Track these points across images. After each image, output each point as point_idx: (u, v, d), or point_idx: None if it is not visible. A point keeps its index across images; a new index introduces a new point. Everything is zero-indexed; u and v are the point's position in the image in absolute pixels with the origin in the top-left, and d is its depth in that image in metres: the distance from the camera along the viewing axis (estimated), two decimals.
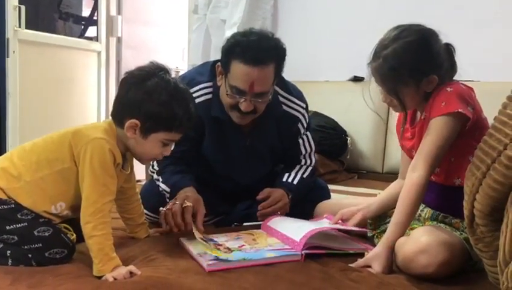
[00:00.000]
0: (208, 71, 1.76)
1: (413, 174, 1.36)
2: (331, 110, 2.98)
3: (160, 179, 1.74)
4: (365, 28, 3.06)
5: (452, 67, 1.48)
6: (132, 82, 1.33)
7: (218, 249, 1.41)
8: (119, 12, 3.93)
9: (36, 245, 1.28)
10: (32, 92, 3.19)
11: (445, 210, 1.48)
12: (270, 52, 1.58)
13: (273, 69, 1.60)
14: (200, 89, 1.72)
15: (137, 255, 1.38)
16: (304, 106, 1.85)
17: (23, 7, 3.07)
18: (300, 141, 1.88)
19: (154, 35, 4.02)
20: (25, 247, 1.28)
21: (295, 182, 1.83)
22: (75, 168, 1.30)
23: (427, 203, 1.54)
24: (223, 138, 1.76)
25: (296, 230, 1.52)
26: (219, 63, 1.66)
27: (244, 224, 1.79)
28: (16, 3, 3.05)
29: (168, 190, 1.71)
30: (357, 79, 3.06)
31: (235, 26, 3.17)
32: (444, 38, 1.45)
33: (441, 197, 1.49)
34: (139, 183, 1.88)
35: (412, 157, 1.47)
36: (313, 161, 1.93)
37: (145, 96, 1.30)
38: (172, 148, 1.44)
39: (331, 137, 2.87)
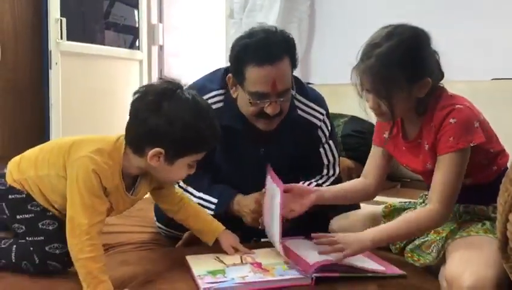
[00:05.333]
0: (219, 79, 1.66)
1: (430, 207, 1.32)
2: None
3: (190, 189, 1.66)
4: None
5: (440, 71, 1.37)
6: (148, 108, 1.23)
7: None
8: (160, 20, 3.95)
9: (38, 238, 1.29)
10: (74, 102, 3.27)
11: (463, 201, 1.39)
12: (281, 45, 1.50)
13: (288, 62, 1.52)
14: (211, 97, 1.62)
15: (137, 276, 1.32)
16: (324, 112, 1.73)
17: (64, 19, 3.15)
18: (322, 150, 1.75)
19: (195, 42, 4.01)
20: (29, 238, 1.30)
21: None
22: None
23: None
24: (235, 147, 1.66)
25: (313, 254, 1.41)
26: (229, 75, 1.57)
27: (262, 240, 1.69)
28: (58, 16, 3.14)
29: (213, 201, 1.62)
30: None
31: None
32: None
33: None
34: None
35: (406, 166, 1.47)
36: (337, 171, 1.78)
37: (167, 123, 1.21)
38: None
39: (369, 143, 2.69)
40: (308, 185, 1.71)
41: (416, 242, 1.51)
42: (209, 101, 1.59)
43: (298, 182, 1.68)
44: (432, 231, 1.47)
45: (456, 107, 1.32)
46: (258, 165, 1.62)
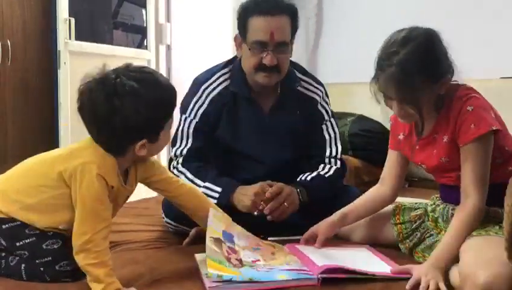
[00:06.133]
0: (221, 64, 1.83)
1: (468, 201, 1.34)
2: (379, 113, 2.80)
3: (197, 180, 1.70)
4: (414, 24, 2.86)
5: (452, 68, 1.38)
6: (103, 114, 1.19)
7: (229, 258, 1.31)
8: (168, 20, 3.95)
9: (46, 259, 1.26)
10: None
11: None
12: (282, 2, 1.69)
13: (288, 20, 1.68)
14: (217, 78, 1.78)
15: (144, 274, 1.33)
16: (322, 90, 1.88)
17: (72, 19, 3.16)
18: (324, 126, 1.86)
19: (202, 41, 4.00)
20: (37, 261, 1.26)
21: (309, 178, 1.75)
22: (69, 191, 1.24)
23: (455, 203, 1.44)
24: (242, 116, 1.77)
25: (322, 257, 1.41)
26: (236, 34, 1.74)
27: (270, 239, 1.68)
28: (66, 16, 3.15)
29: (218, 189, 1.66)
30: None
31: None
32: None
33: None
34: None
35: (420, 164, 1.48)
36: (338, 163, 1.84)
37: (131, 117, 1.19)
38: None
39: (378, 142, 2.69)
40: (307, 177, 1.76)
41: (427, 242, 1.51)
42: (217, 82, 1.78)
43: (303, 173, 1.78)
44: (443, 232, 1.47)
45: (472, 96, 1.35)
46: (264, 134, 1.78)
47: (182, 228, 1.72)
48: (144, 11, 4.16)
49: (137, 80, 1.22)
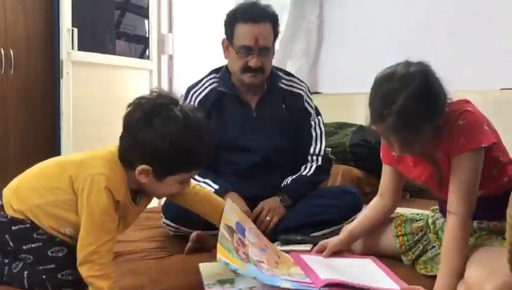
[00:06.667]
0: (209, 72, 1.99)
1: (453, 216, 1.33)
2: None
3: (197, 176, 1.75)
4: (417, 36, 2.90)
5: (447, 95, 1.36)
6: (138, 123, 1.22)
7: (238, 250, 1.31)
8: (170, 30, 3.98)
9: (49, 266, 1.25)
10: (85, 111, 3.28)
11: (477, 217, 1.39)
12: (265, 11, 1.85)
13: (271, 27, 1.85)
14: (204, 83, 1.94)
15: (145, 285, 1.32)
16: (305, 85, 2.04)
17: (75, 30, 3.18)
18: (313, 123, 1.99)
19: (204, 52, 4.02)
20: (40, 267, 1.26)
21: (290, 182, 1.89)
22: (76, 198, 1.24)
23: None
24: (230, 112, 1.91)
25: (325, 269, 1.41)
26: (224, 38, 1.89)
27: (280, 248, 1.69)
28: (69, 26, 3.17)
29: (215, 187, 1.78)
30: None
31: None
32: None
33: None
34: None
35: (414, 179, 1.49)
36: (320, 160, 1.95)
37: (155, 140, 1.20)
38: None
39: (378, 152, 2.67)
40: (292, 182, 1.88)
41: (429, 254, 1.51)
42: (205, 85, 1.94)
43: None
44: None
45: (464, 110, 1.33)
46: (253, 126, 1.91)
47: (182, 229, 1.76)
48: (146, 22, 4.19)
49: (188, 116, 1.24)
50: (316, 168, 1.94)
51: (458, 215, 1.31)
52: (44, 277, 1.26)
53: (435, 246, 1.52)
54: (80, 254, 1.20)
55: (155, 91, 1.28)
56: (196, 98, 1.93)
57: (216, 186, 1.79)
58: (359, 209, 1.87)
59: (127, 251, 1.64)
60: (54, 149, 3.16)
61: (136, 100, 1.27)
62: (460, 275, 1.29)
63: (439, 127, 1.32)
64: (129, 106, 1.26)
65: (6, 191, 1.32)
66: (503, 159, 1.39)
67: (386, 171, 1.58)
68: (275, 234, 1.77)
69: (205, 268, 1.41)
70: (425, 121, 1.27)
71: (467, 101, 1.39)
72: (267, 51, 1.85)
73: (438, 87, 1.31)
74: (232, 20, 1.85)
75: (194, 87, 1.96)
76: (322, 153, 1.97)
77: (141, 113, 1.23)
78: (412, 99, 1.24)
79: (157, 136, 1.20)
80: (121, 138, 1.27)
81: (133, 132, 1.23)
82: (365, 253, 1.63)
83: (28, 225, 1.27)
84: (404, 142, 1.30)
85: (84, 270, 1.19)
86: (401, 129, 1.26)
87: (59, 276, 1.26)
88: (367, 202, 1.70)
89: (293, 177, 1.90)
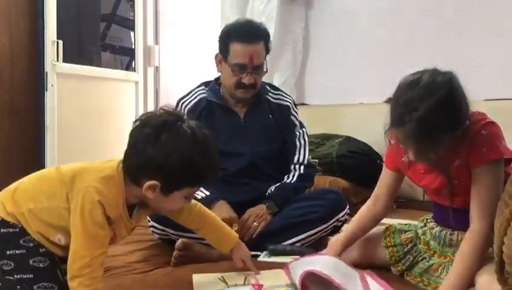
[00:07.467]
0: (199, 84, 2.07)
1: (474, 227, 1.33)
2: (366, 134, 2.81)
3: None
4: (400, 47, 2.95)
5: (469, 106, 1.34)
6: (147, 139, 1.22)
7: None
8: (156, 42, 3.98)
9: (27, 275, 1.24)
10: (70, 124, 3.25)
11: None
12: (259, 31, 1.95)
13: (263, 46, 1.95)
14: (195, 92, 2.03)
15: None
16: (291, 98, 2.14)
17: (60, 42, 3.16)
18: (298, 133, 2.07)
19: (191, 63, 4.03)
20: (17, 276, 1.23)
21: (274, 190, 1.94)
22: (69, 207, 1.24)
23: (458, 228, 1.44)
24: (219, 121, 1.98)
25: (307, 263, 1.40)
26: (217, 53, 1.98)
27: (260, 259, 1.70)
28: (54, 38, 3.15)
29: (207, 193, 1.83)
30: None
31: None
32: None
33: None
34: None
35: (424, 186, 1.48)
36: (302, 169, 2.01)
37: (164, 156, 1.20)
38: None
39: (364, 163, 2.70)
40: (276, 189, 1.94)
41: (422, 266, 1.51)
42: (195, 95, 2.03)
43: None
44: (436, 255, 1.48)
45: (488, 121, 1.34)
46: (242, 133, 1.99)
47: (167, 231, 1.77)
48: (132, 33, 4.18)
49: (195, 133, 1.25)
50: (298, 175, 2.00)
51: (478, 229, 1.31)
52: (19, 287, 1.23)
53: (425, 257, 1.51)
54: (72, 266, 1.18)
55: (162, 109, 1.29)
56: (186, 106, 2.00)
57: (207, 193, 1.83)
58: (343, 208, 1.94)
59: (111, 266, 1.61)
60: (39, 162, 3.12)
61: (143, 116, 1.28)
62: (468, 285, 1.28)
63: (458, 138, 1.31)
64: (135, 122, 1.26)
65: (3, 193, 1.32)
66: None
67: (385, 176, 1.57)
68: (262, 239, 1.79)
69: (197, 279, 1.41)
70: (444, 132, 1.26)
71: (485, 114, 1.38)
72: (260, 68, 1.95)
73: (461, 100, 1.29)
74: (227, 38, 1.93)
75: (184, 98, 2.04)
76: (305, 162, 2.03)
77: (150, 129, 1.22)
78: (435, 109, 1.22)
79: (166, 152, 1.20)
80: (127, 153, 1.26)
81: (141, 147, 1.22)
82: (357, 263, 1.60)
83: (17, 230, 1.26)
84: (420, 150, 1.29)
85: (74, 285, 1.17)
86: (419, 137, 1.25)
87: (34, 287, 1.24)
88: (353, 213, 1.70)
89: (277, 185, 1.96)
